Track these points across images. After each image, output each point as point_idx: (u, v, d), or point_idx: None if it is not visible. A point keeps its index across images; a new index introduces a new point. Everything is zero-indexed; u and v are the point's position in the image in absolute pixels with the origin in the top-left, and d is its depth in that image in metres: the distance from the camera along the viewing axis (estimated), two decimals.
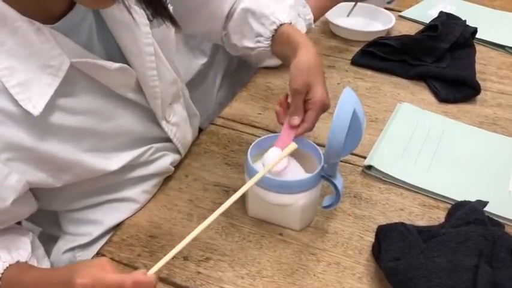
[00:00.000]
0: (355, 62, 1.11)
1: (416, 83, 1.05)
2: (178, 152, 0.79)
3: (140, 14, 0.62)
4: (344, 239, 0.69)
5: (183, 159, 0.82)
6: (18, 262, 0.59)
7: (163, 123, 0.73)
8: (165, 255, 0.64)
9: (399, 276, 0.58)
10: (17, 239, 0.62)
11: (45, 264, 0.65)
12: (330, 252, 0.67)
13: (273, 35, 0.75)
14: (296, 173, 0.68)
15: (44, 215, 0.71)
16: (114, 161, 0.66)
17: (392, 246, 0.62)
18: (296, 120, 0.67)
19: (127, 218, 0.72)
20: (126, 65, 0.62)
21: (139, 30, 0.63)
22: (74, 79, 0.58)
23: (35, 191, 0.63)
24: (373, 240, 0.67)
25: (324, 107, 0.68)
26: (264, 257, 0.66)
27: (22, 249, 0.61)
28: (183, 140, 0.79)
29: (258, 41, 0.77)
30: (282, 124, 0.70)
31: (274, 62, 1.07)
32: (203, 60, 1.13)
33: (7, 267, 0.57)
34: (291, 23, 0.75)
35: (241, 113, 0.95)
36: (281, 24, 0.75)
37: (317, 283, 0.63)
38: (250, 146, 0.69)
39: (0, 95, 0.51)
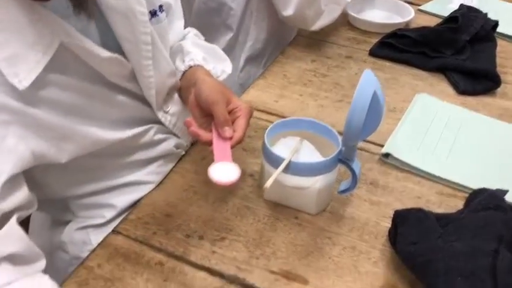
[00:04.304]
0: (373, 53, 1.10)
1: (435, 75, 1.04)
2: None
3: (138, 3, 0.61)
4: (360, 224, 0.69)
5: (197, 142, 0.81)
6: None
7: (161, 114, 0.72)
8: (181, 233, 0.65)
9: (416, 260, 0.57)
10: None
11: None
12: (345, 237, 0.67)
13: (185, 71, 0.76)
14: (312, 157, 0.68)
15: (54, 203, 0.71)
16: (116, 132, 0.65)
17: (409, 230, 0.61)
18: (228, 131, 0.64)
19: (142, 198, 0.72)
20: (119, 56, 0.61)
21: (136, 19, 0.62)
22: (65, 59, 0.56)
23: (41, 174, 0.62)
24: (389, 226, 0.67)
25: (251, 113, 0.67)
26: (279, 238, 0.66)
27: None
28: (186, 128, 0.78)
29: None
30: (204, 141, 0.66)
31: (327, 20, 1.09)
32: (229, 34, 1.14)
33: None
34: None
35: (258, 99, 0.95)
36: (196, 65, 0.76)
37: (332, 265, 0.62)
38: (267, 130, 0.68)
39: None
